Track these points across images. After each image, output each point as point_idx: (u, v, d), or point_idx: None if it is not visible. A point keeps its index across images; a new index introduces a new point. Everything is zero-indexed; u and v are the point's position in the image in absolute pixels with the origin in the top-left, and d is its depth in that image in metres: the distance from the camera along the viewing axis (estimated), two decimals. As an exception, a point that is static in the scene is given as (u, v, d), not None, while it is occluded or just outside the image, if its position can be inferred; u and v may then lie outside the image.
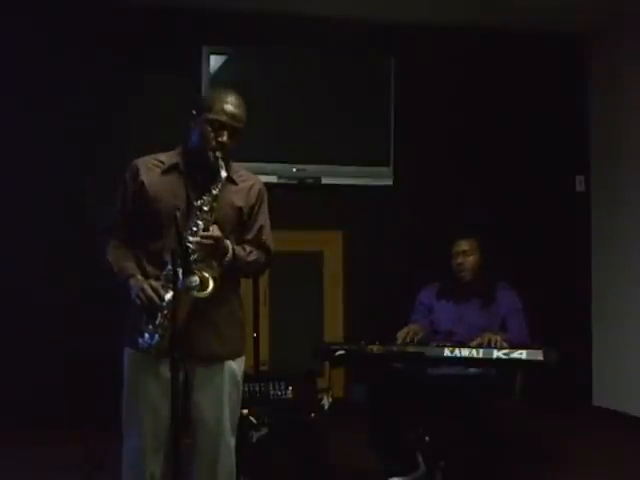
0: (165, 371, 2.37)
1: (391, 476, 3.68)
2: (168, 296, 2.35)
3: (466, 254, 3.96)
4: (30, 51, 4.91)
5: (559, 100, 5.72)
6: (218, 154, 2.48)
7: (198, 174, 2.53)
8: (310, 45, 5.27)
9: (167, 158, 2.61)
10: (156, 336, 2.37)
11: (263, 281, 4.79)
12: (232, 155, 2.68)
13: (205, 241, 2.41)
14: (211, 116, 2.51)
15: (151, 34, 5.08)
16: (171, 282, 2.31)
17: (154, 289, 2.40)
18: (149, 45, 5.08)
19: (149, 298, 2.39)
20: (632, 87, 5.39)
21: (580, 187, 5.79)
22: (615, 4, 5.07)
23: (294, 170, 5.21)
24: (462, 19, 5.35)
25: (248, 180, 2.67)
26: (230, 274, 2.56)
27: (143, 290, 2.41)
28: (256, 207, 2.66)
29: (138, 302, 2.42)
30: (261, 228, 2.67)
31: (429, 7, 5.14)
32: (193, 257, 2.38)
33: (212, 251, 2.44)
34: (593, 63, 5.77)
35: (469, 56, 5.53)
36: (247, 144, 4.99)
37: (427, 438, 3.63)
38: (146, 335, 2.40)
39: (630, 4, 5.03)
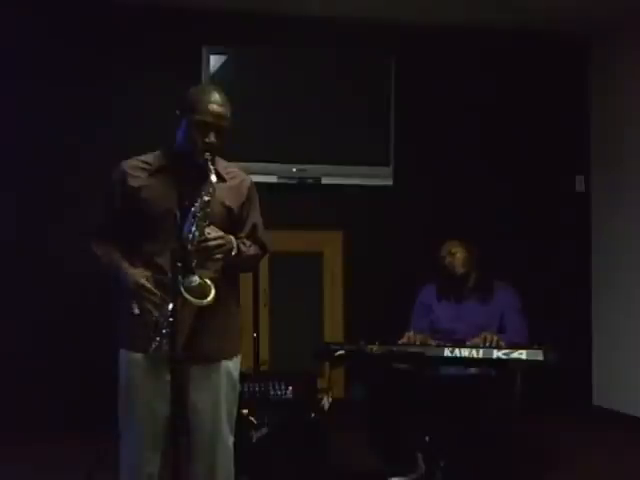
0: (162, 372, 2.37)
1: (391, 476, 3.68)
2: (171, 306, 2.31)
3: (452, 253, 3.99)
4: (30, 51, 4.91)
5: (559, 100, 5.72)
6: (207, 155, 2.45)
7: (187, 175, 2.50)
8: (310, 45, 5.27)
9: (153, 159, 2.57)
10: (164, 343, 2.34)
11: (263, 281, 4.80)
12: (232, 155, 2.67)
13: (212, 243, 2.39)
14: (196, 117, 2.47)
15: (151, 34, 5.08)
16: (173, 284, 2.30)
17: (155, 294, 2.39)
18: (149, 45, 5.08)
19: (156, 306, 2.38)
20: (632, 87, 5.38)
21: (580, 187, 5.79)
22: (615, 4, 5.07)
23: (294, 170, 5.20)
24: (462, 19, 5.35)
25: (237, 177, 2.64)
26: (230, 269, 2.55)
27: (146, 298, 2.39)
28: (246, 204, 2.64)
29: (136, 310, 2.40)
30: (255, 226, 2.65)
31: (429, 7, 5.14)
32: (193, 263, 2.37)
33: (220, 250, 2.43)
34: (593, 63, 5.77)
35: (469, 56, 5.53)
36: (248, 144, 5.01)
37: (427, 438, 3.64)
38: (154, 345, 2.38)
39: (630, 4, 5.04)
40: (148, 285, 2.41)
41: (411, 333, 3.82)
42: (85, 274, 3.89)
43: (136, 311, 2.41)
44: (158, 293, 2.39)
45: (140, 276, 2.43)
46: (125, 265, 2.49)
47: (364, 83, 5.30)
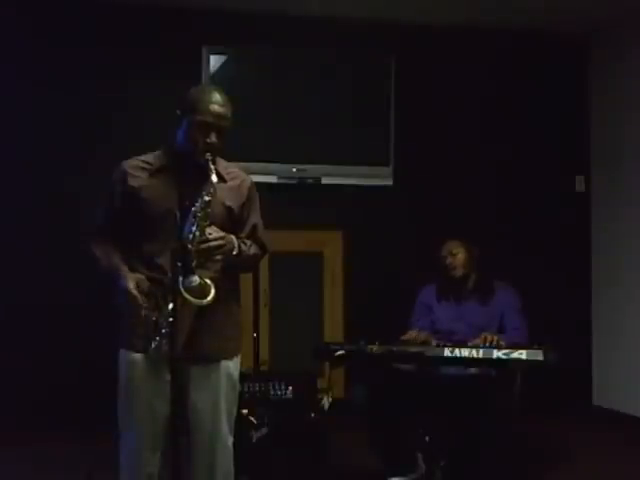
0: (162, 372, 2.38)
1: (391, 476, 3.68)
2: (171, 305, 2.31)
3: (453, 254, 3.98)
4: (30, 51, 4.91)
5: (559, 100, 5.72)
6: (208, 156, 2.44)
7: (187, 175, 2.50)
8: (310, 45, 5.27)
9: (154, 159, 2.58)
10: (164, 343, 2.35)
11: (263, 281, 4.79)
12: (232, 155, 2.67)
13: (213, 243, 2.39)
14: (197, 117, 2.47)
15: (151, 34, 5.08)
16: (173, 284, 2.30)
17: (136, 298, 2.39)
18: (149, 45, 5.08)
19: (138, 306, 2.38)
20: (632, 87, 5.38)
21: (580, 187, 5.79)
22: (615, 4, 5.07)
23: (294, 170, 5.20)
24: (462, 19, 5.35)
25: (237, 177, 2.64)
26: (230, 269, 2.55)
27: (133, 299, 2.40)
28: (247, 205, 2.64)
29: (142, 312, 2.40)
30: (255, 226, 2.65)
31: (429, 7, 5.14)
32: (193, 263, 2.36)
33: (221, 250, 2.43)
34: (593, 63, 5.77)
35: (469, 56, 5.53)
36: (248, 144, 5.01)
37: (427, 438, 3.64)
38: (153, 344, 2.38)
39: (630, 4, 5.04)
40: (134, 292, 2.39)
41: (414, 331, 3.82)
42: (85, 274, 3.90)
43: (143, 312, 2.41)
44: (140, 297, 2.38)
45: (131, 279, 2.42)
46: (123, 268, 2.48)
47: (364, 83, 5.30)
